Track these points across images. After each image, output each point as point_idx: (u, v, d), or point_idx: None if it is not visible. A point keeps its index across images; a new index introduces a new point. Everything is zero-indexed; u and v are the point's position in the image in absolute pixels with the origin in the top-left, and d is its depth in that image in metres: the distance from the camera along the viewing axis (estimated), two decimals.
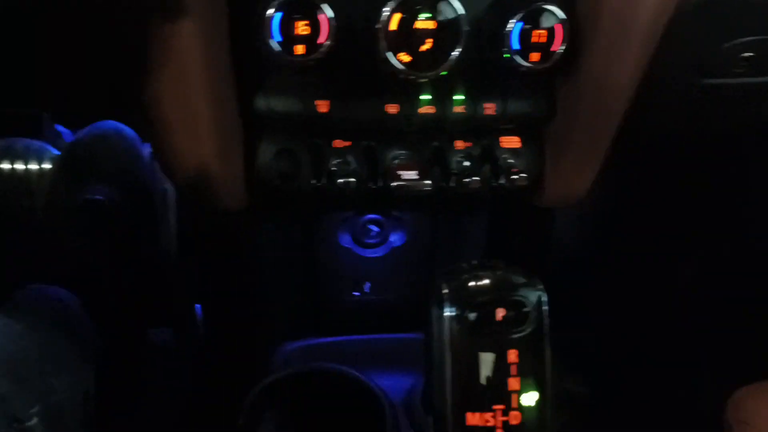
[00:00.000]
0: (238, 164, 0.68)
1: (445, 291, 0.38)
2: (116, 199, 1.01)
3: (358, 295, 1.01)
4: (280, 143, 0.66)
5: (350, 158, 0.68)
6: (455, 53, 0.59)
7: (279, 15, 0.56)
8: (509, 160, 0.71)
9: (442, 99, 0.65)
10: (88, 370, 0.82)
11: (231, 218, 0.82)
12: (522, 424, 0.37)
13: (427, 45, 0.59)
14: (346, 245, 0.96)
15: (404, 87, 0.63)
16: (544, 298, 0.39)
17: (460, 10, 0.58)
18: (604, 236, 1.17)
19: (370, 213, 0.93)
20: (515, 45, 0.60)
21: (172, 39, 0.58)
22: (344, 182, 0.65)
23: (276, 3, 0.56)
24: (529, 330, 0.38)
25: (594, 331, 1.15)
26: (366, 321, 1.03)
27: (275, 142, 0.66)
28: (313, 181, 0.68)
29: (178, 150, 0.65)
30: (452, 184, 0.68)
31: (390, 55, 0.58)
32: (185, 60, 0.59)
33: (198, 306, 1.10)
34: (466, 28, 0.59)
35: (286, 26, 0.57)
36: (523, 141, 0.71)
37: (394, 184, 0.65)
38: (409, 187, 0.64)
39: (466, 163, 0.69)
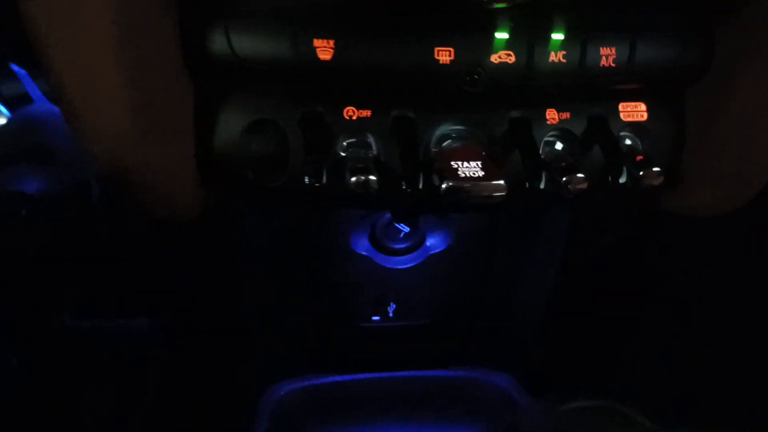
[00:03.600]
0: (182, 146, 0.44)
1: None
2: (52, 193, 0.83)
3: (378, 321, 0.77)
4: (254, 111, 0.45)
5: (371, 138, 0.45)
6: None
7: None
8: (629, 141, 0.49)
9: (527, 39, 0.43)
10: None
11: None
12: None
13: None
14: (363, 252, 0.72)
15: (466, 19, 0.42)
16: None
17: None
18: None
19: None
20: None
21: None
22: (360, 182, 0.42)
23: None
24: None
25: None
26: (389, 354, 0.80)
27: (246, 109, 0.45)
28: (309, 180, 0.44)
29: (86, 128, 0.42)
30: (542, 185, 0.45)
31: None
32: None
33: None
34: None
35: None
36: (650, 110, 0.49)
37: (446, 185, 0.40)
38: (469, 192, 0.40)
39: (560, 146, 0.47)
